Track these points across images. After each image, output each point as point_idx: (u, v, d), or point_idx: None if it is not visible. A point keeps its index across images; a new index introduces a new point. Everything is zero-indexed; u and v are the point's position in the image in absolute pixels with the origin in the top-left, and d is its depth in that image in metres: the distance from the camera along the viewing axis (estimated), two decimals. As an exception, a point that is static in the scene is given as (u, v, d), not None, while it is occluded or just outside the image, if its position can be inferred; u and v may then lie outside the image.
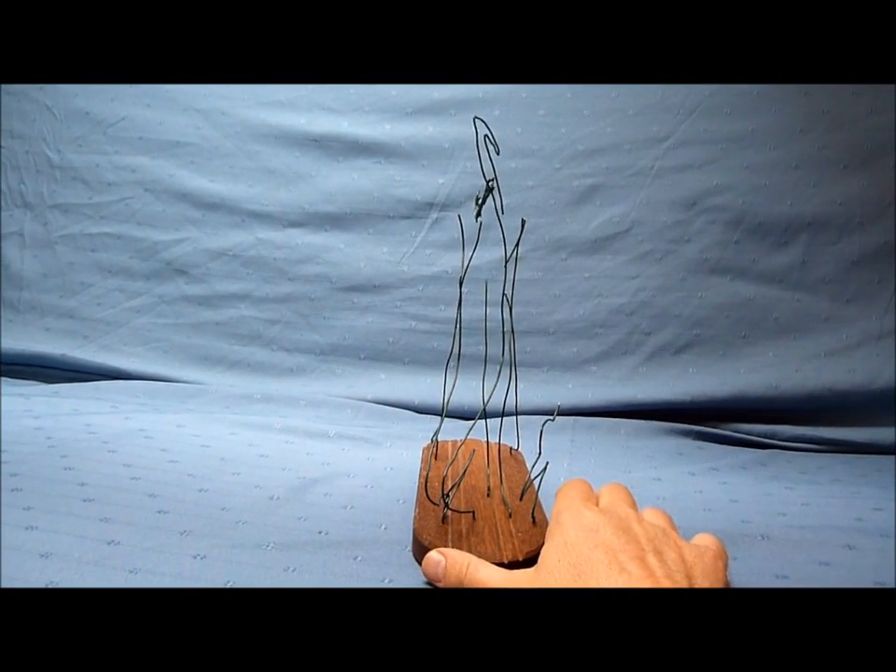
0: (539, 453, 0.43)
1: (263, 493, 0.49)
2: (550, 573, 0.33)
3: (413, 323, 0.87)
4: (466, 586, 0.35)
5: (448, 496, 0.42)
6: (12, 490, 0.45)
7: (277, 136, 0.94)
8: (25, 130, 1.00)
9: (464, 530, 0.41)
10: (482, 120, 0.41)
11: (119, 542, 0.39)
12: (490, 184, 0.43)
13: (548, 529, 0.37)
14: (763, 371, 0.80)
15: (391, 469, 0.58)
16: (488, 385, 0.54)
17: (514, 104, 0.90)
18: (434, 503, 0.43)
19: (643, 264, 0.85)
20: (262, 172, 0.94)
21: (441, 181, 0.90)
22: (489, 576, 0.35)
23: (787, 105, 0.85)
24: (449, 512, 0.42)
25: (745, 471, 0.65)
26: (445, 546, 0.39)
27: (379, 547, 0.41)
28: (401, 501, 0.49)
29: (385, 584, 0.37)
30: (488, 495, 0.47)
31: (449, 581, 0.36)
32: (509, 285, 0.47)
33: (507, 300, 0.46)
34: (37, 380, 0.88)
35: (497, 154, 0.42)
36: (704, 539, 0.36)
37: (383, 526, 0.44)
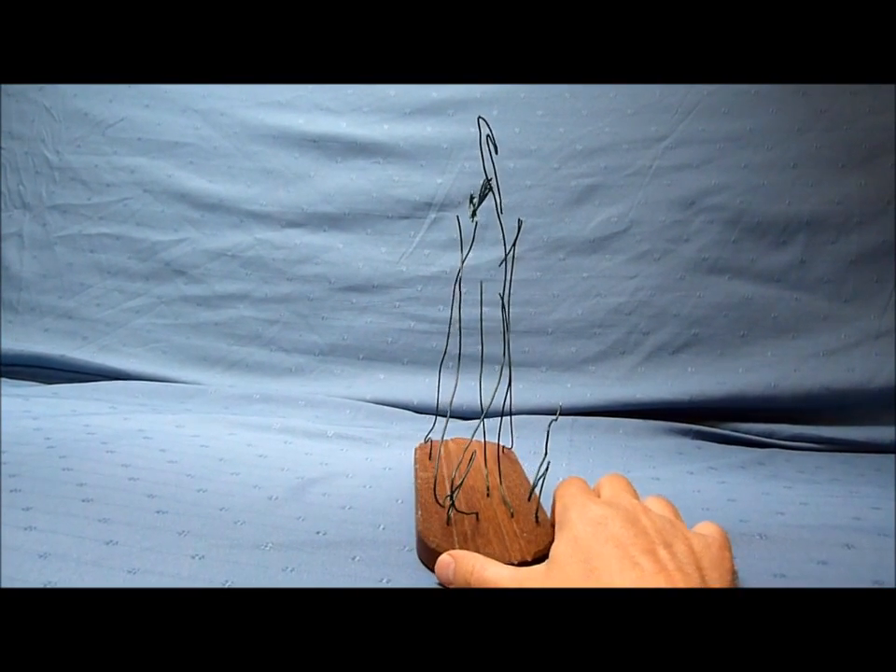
0: (546, 453, 0.43)
1: (262, 493, 0.49)
2: (561, 569, 0.32)
3: (412, 323, 0.87)
4: (474, 586, 0.35)
5: (452, 497, 0.42)
6: (11, 490, 0.45)
7: (276, 137, 0.94)
8: (24, 131, 1.00)
9: (469, 532, 0.41)
10: (484, 121, 0.41)
11: (117, 542, 0.39)
12: (489, 183, 0.43)
13: (556, 525, 0.37)
14: (762, 371, 0.80)
15: (390, 469, 0.58)
16: (486, 385, 0.54)
17: (513, 104, 0.90)
18: (441, 505, 0.43)
19: (641, 264, 0.86)
20: (261, 172, 0.94)
21: (439, 181, 0.90)
22: (497, 574, 0.35)
23: (785, 105, 0.86)
24: (453, 514, 0.42)
25: (743, 471, 0.65)
26: (452, 548, 0.38)
27: (377, 547, 0.41)
28: (400, 501, 0.49)
29: (384, 584, 0.37)
30: (488, 495, 0.47)
31: (458, 583, 0.36)
32: (497, 284, 0.46)
33: (500, 298, 0.46)
34: (36, 381, 0.88)
35: (496, 154, 0.42)
36: (707, 528, 0.36)
37: (381, 527, 0.44)
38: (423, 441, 0.59)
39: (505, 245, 0.46)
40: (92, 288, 0.94)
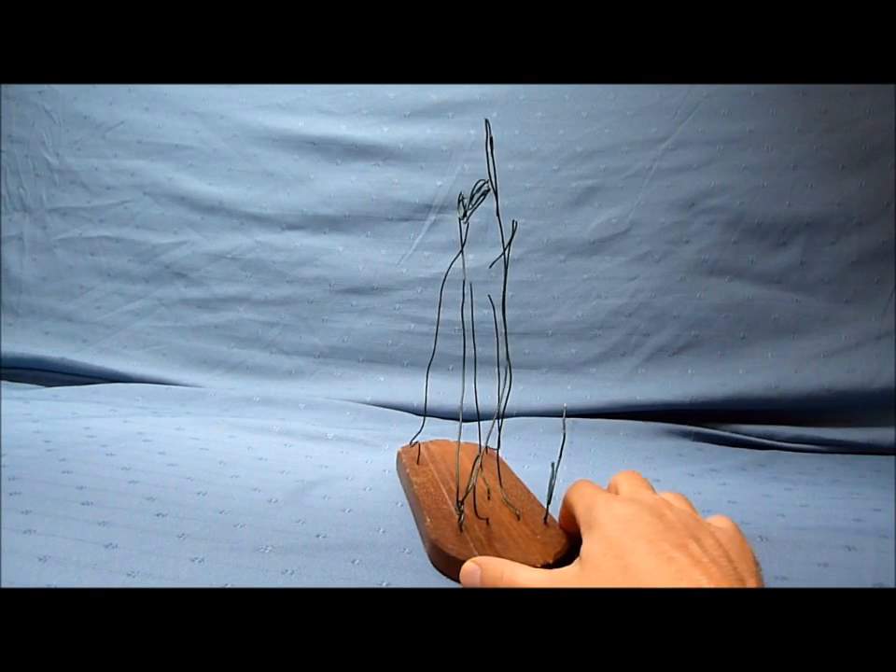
0: (560, 455, 0.42)
1: (262, 496, 0.49)
2: (595, 569, 0.32)
3: (412, 325, 0.87)
4: None
5: (463, 503, 0.42)
6: (11, 493, 0.45)
7: (276, 139, 0.94)
8: (24, 134, 1.00)
9: (483, 537, 0.41)
10: (487, 123, 0.41)
11: (117, 545, 0.39)
12: (485, 186, 0.43)
13: (583, 525, 0.36)
14: (762, 372, 0.80)
15: (390, 471, 0.58)
16: (481, 388, 0.54)
17: (512, 105, 0.90)
18: (461, 511, 0.42)
19: (642, 265, 0.86)
20: (261, 175, 0.94)
21: (439, 183, 0.90)
22: (529, 578, 0.34)
23: (785, 106, 0.86)
24: (464, 519, 0.42)
25: (744, 472, 0.65)
26: (472, 554, 0.38)
27: (377, 550, 0.41)
28: (399, 504, 0.49)
29: (384, 587, 0.37)
30: (488, 498, 0.46)
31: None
32: (498, 285, 0.46)
33: (490, 300, 0.46)
34: (36, 383, 0.88)
35: (492, 156, 0.42)
36: (721, 522, 0.36)
37: (381, 530, 0.44)
38: (409, 444, 0.58)
39: (503, 246, 0.46)
40: (93, 291, 0.94)
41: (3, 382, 0.87)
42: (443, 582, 0.38)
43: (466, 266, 0.72)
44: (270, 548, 0.40)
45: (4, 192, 0.99)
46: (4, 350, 0.89)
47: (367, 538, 0.43)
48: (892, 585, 0.39)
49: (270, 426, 0.69)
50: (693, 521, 0.35)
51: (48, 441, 0.58)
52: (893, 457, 0.71)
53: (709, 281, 0.84)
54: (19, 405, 0.71)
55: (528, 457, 0.65)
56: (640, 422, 0.77)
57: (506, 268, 0.45)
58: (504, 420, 0.55)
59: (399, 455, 0.57)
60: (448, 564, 0.39)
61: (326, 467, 0.58)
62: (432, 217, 0.90)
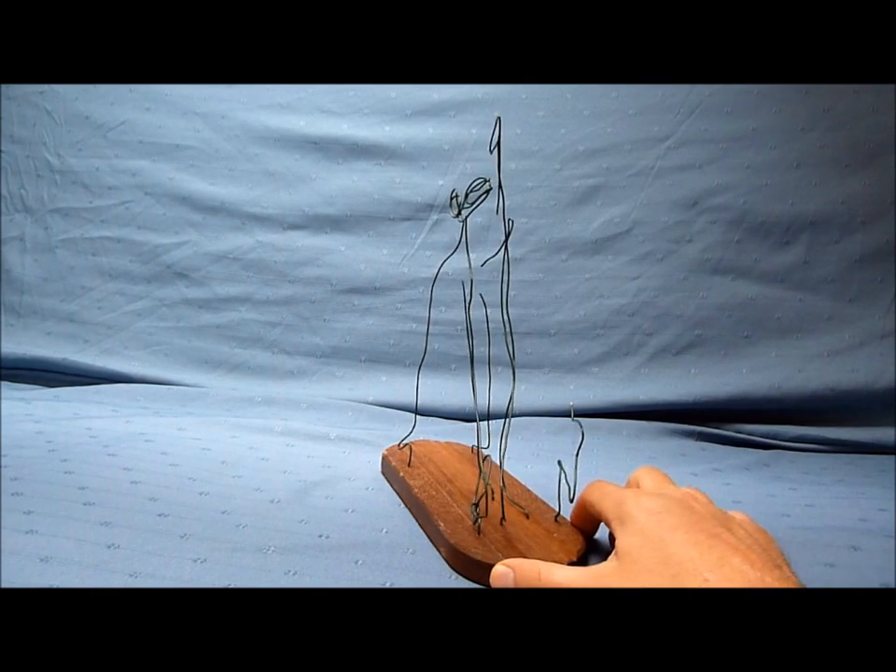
0: (577, 453, 0.42)
1: (264, 496, 0.49)
2: (636, 562, 0.32)
3: (414, 325, 0.87)
4: None
5: (478, 505, 0.42)
6: (13, 494, 0.45)
7: (277, 139, 0.94)
8: (26, 134, 1.00)
9: (501, 538, 0.40)
10: (499, 120, 0.41)
11: (119, 546, 0.39)
12: (487, 185, 0.43)
13: (614, 521, 0.36)
14: (766, 372, 0.79)
15: (392, 471, 0.57)
16: (485, 386, 0.54)
17: (514, 104, 0.90)
18: (478, 515, 0.42)
19: (644, 265, 0.85)
20: (262, 174, 0.94)
21: (440, 182, 0.90)
22: (567, 577, 0.34)
23: (788, 104, 0.85)
24: (481, 523, 0.42)
25: (748, 472, 0.64)
26: (496, 557, 0.38)
27: (380, 551, 0.41)
28: (402, 505, 0.49)
29: (388, 588, 0.37)
30: (492, 498, 0.46)
31: None
32: (495, 285, 0.46)
33: (483, 300, 0.46)
34: (38, 384, 0.88)
35: (492, 153, 0.42)
36: (738, 516, 0.37)
37: (384, 530, 0.44)
38: (398, 446, 0.57)
39: (507, 246, 0.46)
40: (94, 291, 0.94)
41: (5, 382, 0.87)
42: (448, 583, 0.38)
43: (466, 267, 0.71)
44: (272, 548, 0.40)
45: (5, 193, 0.99)
46: (6, 351, 0.89)
47: (370, 538, 0.43)
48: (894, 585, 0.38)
49: (272, 426, 0.69)
50: (719, 512, 0.35)
51: (49, 442, 0.58)
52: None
53: (712, 280, 0.84)
54: (20, 406, 0.71)
55: (531, 458, 0.65)
56: (643, 422, 0.76)
57: (507, 267, 0.45)
58: (484, 421, 0.55)
59: (384, 457, 0.56)
60: (471, 567, 0.38)
61: (328, 467, 0.58)
62: (434, 217, 0.90)
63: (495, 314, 0.47)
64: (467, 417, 0.78)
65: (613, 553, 0.34)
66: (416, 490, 0.47)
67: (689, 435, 0.75)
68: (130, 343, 0.91)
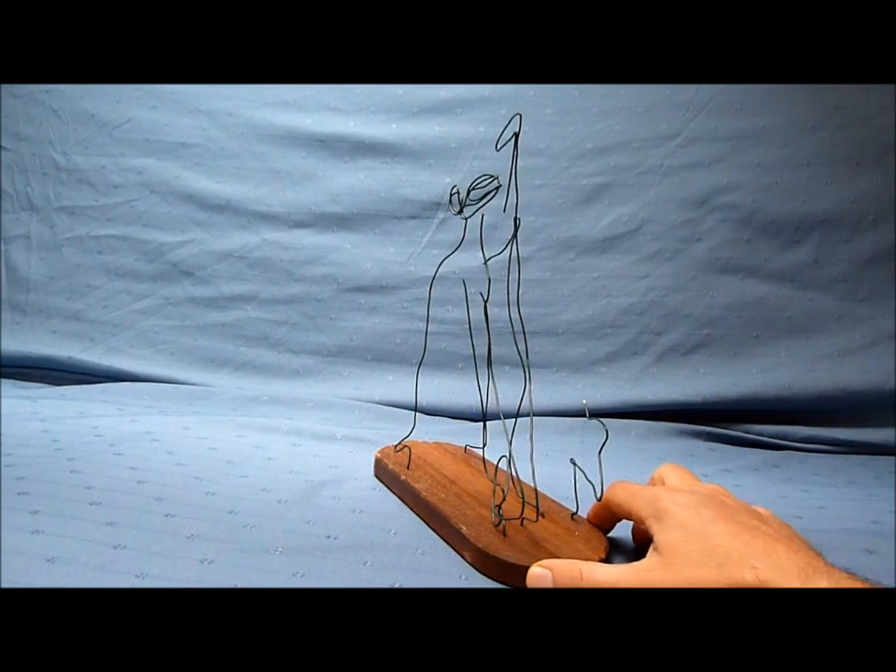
0: (600, 452, 0.41)
1: (271, 496, 0.49)
2: (680, 555, 0.32)
3: (420, 324, 0.86)
4: None
5: (500, 507, 0.41)
6: (18, 493, 0.45)
7: (283, 137, 0.93)
8: (31, 132, 1.00)
9: (526, 539, 0.40)
10: (520, 117, 0.40)
11: (125, 546, 0.39)
12: (495, 182, 0.42)
13: (651, 518, 0.36)
14: (776, 372, 0.79)
15: (399, 471, 0.57)
16: (482, 389, 0.53)
17: (521, 102, 0.89)
18: (501, 518, 0.41)
19: (653, 264, 0.85)
20: (268, 173, 0.93)
21: (447, 181, 0.89)
22: (609, 575, 0.34)
23: (797, 102, 0.85)
24: (504, 524, 0.41)
25: (758, 473, 0.64)
26: (528, 559, 0.37)
27: (388, 552, 0.41)
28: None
29: (396, 588, 0.37)
30: (504, 499, 0.46)
31: None
32: (501, 284, 0.45)
33: (483, 297, 0.45)
34: (44, 382, 0.88)
35: (498, 150, 0.42)
36: (763, 511, 0.37)
37: (392, 531, 0.44)
38: (394, 447, 0.56)
39: (517, 244, 0.45)
40: (100, 290, 0.94)
41: (10, 381, 0.86)
42: (457, 583, 0.37)
43: (470, 265, 0.71)
44: (280, 549, 0.40)
45: (11, 191, 0.99)
46: (11, 349, 0.88)
47: (378, 539, 0.42)
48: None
49: (278, 425, 0.69)
50: (748, 506, 0.36)
51: (55, 441, 0.57)
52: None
53: (721, 279, 0.83)
54: (26, 404, 0.71)
55: (539, 458, 0.64)
56: (652, 422, 0.76)
57: (518, 265, 0.44)
58: (512, 420, 0.54)
59: (378, 459, 0.55)
60: (503, 570, 0.38)
61: (335, 466, 0.58)
62: (441, 215, 0.89)
63: (502, 313, 0.46)
64: (474, 417, 0.77)
65: (652, 548, 0.34)
66: (424, 493, 0.47)
67: (698, 435, 0.75)
68: (135, 342, 0.90)
